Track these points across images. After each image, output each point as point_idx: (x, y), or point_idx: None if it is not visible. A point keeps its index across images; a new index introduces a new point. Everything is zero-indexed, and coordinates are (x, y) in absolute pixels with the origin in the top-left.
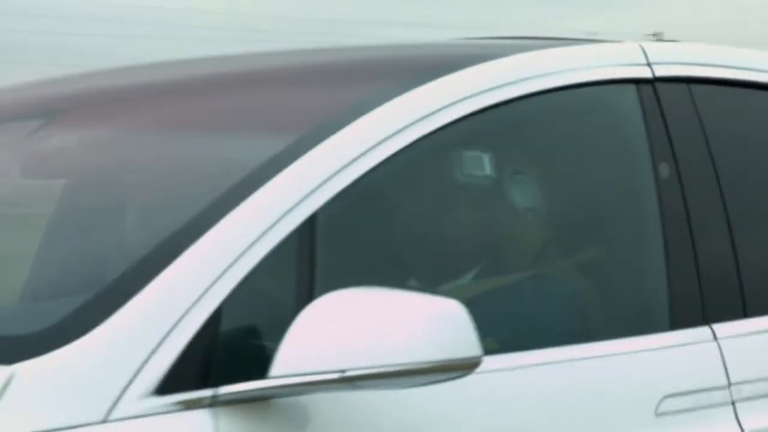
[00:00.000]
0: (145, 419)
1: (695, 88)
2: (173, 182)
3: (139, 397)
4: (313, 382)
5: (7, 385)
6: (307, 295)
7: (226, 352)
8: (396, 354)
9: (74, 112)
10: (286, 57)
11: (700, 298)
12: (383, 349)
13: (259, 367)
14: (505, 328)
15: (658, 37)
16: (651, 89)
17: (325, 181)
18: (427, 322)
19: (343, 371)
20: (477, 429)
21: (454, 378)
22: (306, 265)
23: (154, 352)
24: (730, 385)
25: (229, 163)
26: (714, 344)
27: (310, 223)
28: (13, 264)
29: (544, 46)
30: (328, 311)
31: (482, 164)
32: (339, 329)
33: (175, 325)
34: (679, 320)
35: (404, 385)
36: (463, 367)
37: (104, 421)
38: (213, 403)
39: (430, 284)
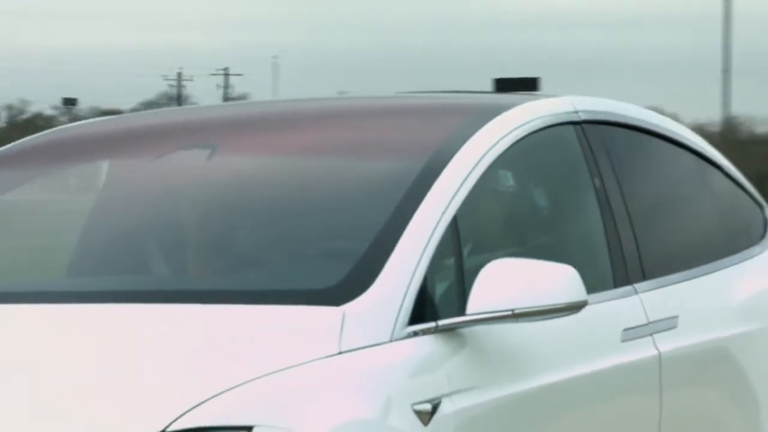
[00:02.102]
0: (407, 340)
1: (603, 127)
2: (359, 188)
3: (402, 326)
4: (494, 317)
5: (343, 319)
6: (459, 263)
7: (429, 299)
8: (544, 298)
9: (242, 138)
10: (372, 99)
11: (624, 266)
12: (535, 295)
13: (437, 309)
14: None
15: (226, 71)
16: (581, 129)
17: (457, 191)
18: (560, 278)
19: (512, 310)
20: (548, 346)
21: (572, 314)
22: (456, 244)
23: (404, 298)
24: (648, 323)
25: (392, 176)
26: (637, 297)
27: (455, 218)
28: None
29: (520, 101)
30: (497, 272)
31: (508, 177)
32: (506, 283)
33: (410, 282)
34: (616, 281)
35: (547, 319)
36: (579, 307)
37: (390, 341)
38: (435, 330)
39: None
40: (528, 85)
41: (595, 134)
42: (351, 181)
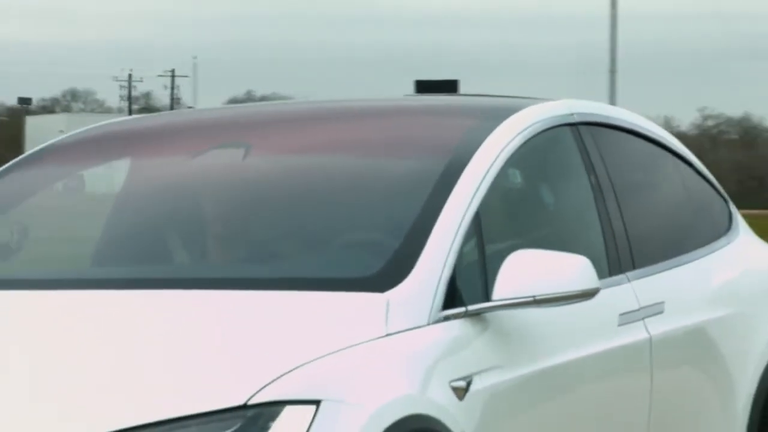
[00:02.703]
0: (441, 323)
1: (595, 128)
2: (390, 184)
3: (437, 311)
4: (517, 303)
5: (388, 304)
6: (481, 254)
7: (457, 286)
8: (561, 285)
9: (271, 137)
10: (390, 101)
11: (617, 256)
12: (553, 283)
13: (463, 296)
14: None
15: (173, 73)
16: (577, 130)
17: (478, 187)
18: (575, 267)
19: (534, 296)
20: (559, 329)
21: (586, 299)
22: (479, 236)
23: (438, 285)
24: (640, 308)
25: (419, 174)
26: (629, 284)
27: (477, 213)
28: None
29: (525, 104)
30: (519, 262)
31: (517, 175)
32: (527, 272)
33: (442, 270)
34: (611, 270)
35: (564, 304)
36: (592, 293)
37: (428, 324)
38: (465, 315)
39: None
40: (448, 87)
41: (589, 135)
42: (382, 178)
